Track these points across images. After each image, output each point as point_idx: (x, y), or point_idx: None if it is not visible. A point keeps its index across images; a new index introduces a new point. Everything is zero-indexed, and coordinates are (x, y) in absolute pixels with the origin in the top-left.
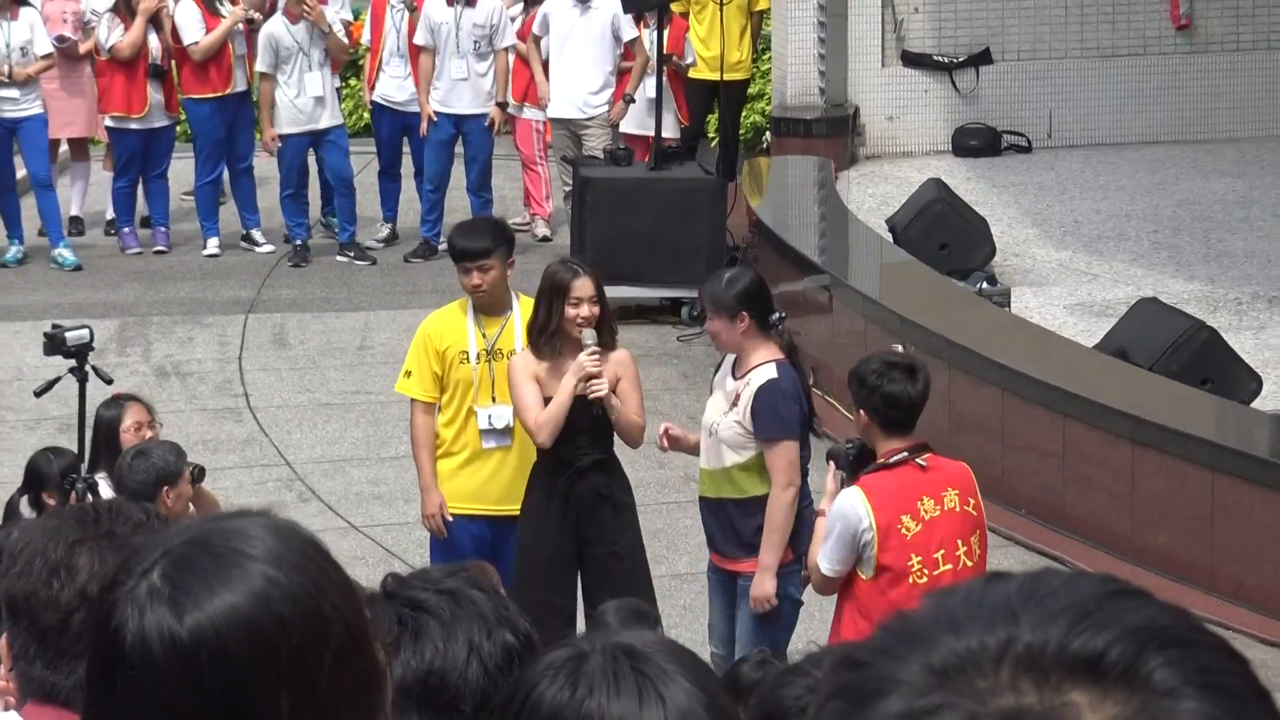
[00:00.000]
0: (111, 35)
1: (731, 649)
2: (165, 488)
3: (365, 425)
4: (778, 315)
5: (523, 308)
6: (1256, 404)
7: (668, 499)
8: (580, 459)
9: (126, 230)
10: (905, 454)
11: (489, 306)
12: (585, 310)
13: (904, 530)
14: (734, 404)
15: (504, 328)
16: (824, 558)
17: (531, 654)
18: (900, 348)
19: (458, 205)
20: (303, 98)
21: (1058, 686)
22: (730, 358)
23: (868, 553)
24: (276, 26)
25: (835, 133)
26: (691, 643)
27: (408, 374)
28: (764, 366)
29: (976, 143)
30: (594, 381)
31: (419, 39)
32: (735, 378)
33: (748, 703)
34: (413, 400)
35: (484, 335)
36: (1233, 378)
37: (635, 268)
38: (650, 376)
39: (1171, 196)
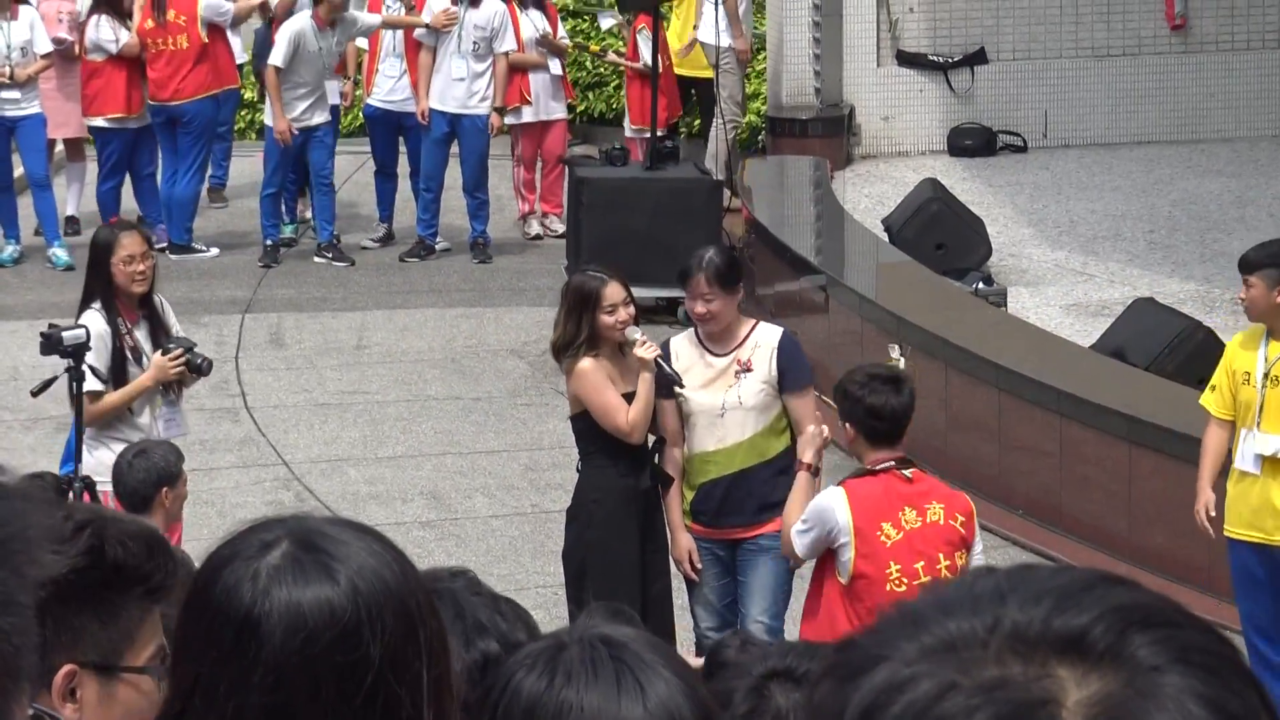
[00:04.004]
0: (101, 35)
1: (726, 620)
2: (165, 488)
3: (362, 425)
4: None
5: None
6: None
7: None
8: (651, 454)
9: None
10: (891, 463)
11: (1274, 329)
12: (623, 314)
13: (883, 538)
14: (744, 372)
15: None
16: (800, 545)
17: None
18: (898, 349)
19: (454, 205)
20: (309, 97)
21: (1043, 662)
22: (683, 342)
23: (844, 556)
24: (304, 25)
25: (831, 132)
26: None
27: (1212, 388)
28: (759, 327)
29: (972, 142)
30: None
31: (419, 34)
32: (718, 354)
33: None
34: (1210, 415)
35: (1267, 358)
36: None
37: (631, 267)
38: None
39: (1167, 196)
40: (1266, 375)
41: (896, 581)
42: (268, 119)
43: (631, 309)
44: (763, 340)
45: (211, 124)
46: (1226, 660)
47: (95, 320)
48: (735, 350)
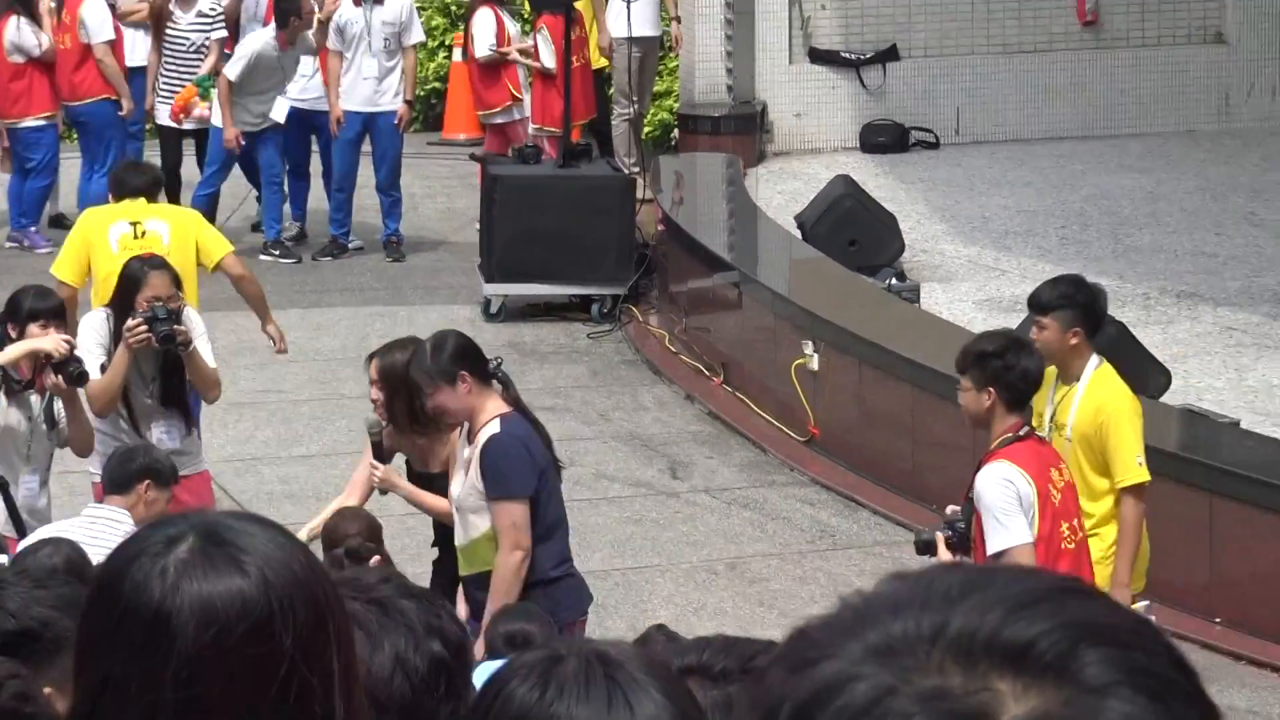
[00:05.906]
0: (24, 38)
1: None
2: (148, 481)
3: (276, 424)
4: (494, 363)
5: (1097, 378)
6: (1166, 398)
7: (579, 495)
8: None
9: (34, 229)
10: (1027, 427)
11: (1063, 372)
12: (373, 392)
13: (1053, 497)
14: (468, 471)
15: (1065, 397)
16: (1014, 537)
17: (463, 663)
18: (811, 345)
19: (366, 204)
20: (264, 105)
21: (984, 674)
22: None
23: (1030, 518)
24: (264, 45)
25: (743, 130)
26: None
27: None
28: (490, 424)
29: (884, 139)
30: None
31: (330, 41)
32: (469, 445)
33: None
34: None
35: (1054, 401)
36: (1142, 372)
37: (545, 265)
38: (560, 374)
39: (1079, 192)
40: (1052, 419)
41: (1068, 539)
42: (215, 120)
43: (379, 394)
44: (482, 439)
45: (111, 125)
46: (1177, 686)
47: (96, 314)
48: (472, 445)
